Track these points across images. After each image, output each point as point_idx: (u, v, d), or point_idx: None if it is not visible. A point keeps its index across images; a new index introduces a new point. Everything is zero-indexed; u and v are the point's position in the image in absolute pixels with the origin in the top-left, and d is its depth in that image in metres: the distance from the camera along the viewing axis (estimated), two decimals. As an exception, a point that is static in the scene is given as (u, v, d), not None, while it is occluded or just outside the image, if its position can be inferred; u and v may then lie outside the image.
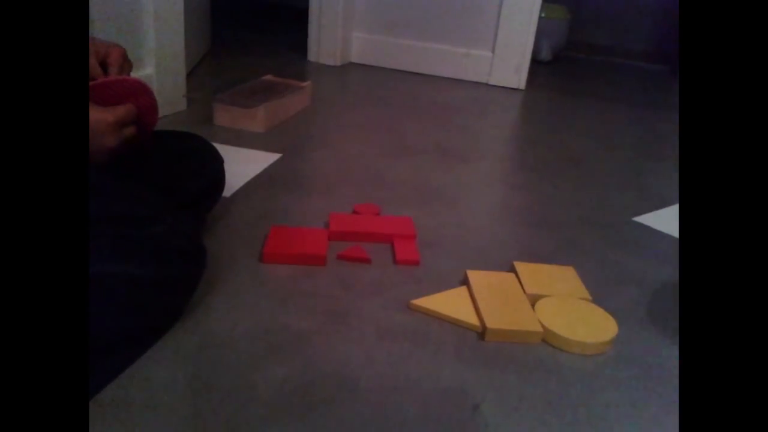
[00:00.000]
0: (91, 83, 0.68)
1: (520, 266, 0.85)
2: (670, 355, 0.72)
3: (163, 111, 1.38)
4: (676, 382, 0.68)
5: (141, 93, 0.71)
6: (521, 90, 2.05)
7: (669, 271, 0.92)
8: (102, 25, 1.20)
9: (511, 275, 0.83)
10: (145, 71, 1.33)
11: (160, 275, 0.63)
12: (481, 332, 0.72)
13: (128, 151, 0.70)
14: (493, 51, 2.05)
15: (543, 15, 2.27)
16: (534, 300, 0.78)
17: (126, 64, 0.75)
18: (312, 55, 2.19)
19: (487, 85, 2.08)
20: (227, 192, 1.01)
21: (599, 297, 0.82)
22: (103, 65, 0.73)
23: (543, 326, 0.72)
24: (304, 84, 1.60)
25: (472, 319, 0.74)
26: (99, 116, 0.65)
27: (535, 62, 2.31)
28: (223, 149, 0.95)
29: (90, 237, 0.53)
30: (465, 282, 0.82)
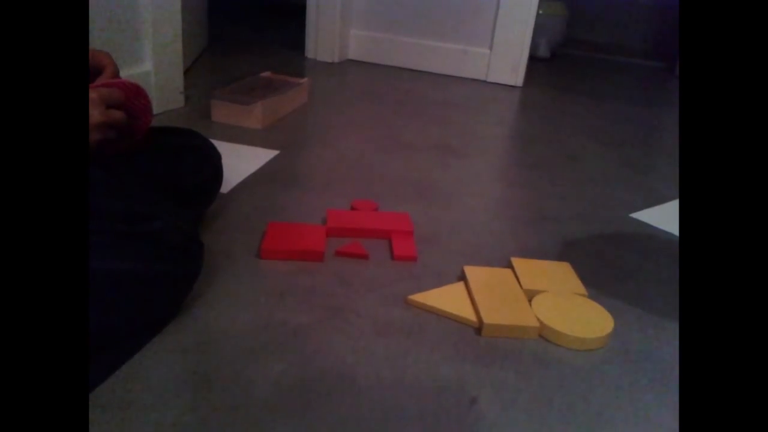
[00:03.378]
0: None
1: (517, 262, 0.86)
2: (666, 351, 0.73)
3: (160, 107, 1.39)
4: (672, 376, 0.68)
5: (136, 95, 0.72)
6: (519, 87, 2.05)
7: (665, 267, 0.92)
8: (100, 22, 1.20)
9: (508, 271, 0.83)
10: (142, 67, 1.33)
11: (158, 271, 0.63)
12: (478, 327, 0.73)
13: (120, 142, 0.71)
14: (490, 48, 2.05)
15: (541, 12, 2.28)
16: (531, 295, 0.78)
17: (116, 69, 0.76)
18: (310, 52, 2.19)
19: (484, 82, 2.08)
20: (225, 188, 1.01)
21: (596, 293, 0.82)
22: (93, 70, 0.74)
23: (540, 321, 0.73)
24: (302, 81, 1.60)
25: (470, 315, 0.74)
26: None
27: (533, 59, 2.31)
28: (220, 145, 0.96)
29: (88, 233, 0.53)
30: (462, 278, 0.83)
